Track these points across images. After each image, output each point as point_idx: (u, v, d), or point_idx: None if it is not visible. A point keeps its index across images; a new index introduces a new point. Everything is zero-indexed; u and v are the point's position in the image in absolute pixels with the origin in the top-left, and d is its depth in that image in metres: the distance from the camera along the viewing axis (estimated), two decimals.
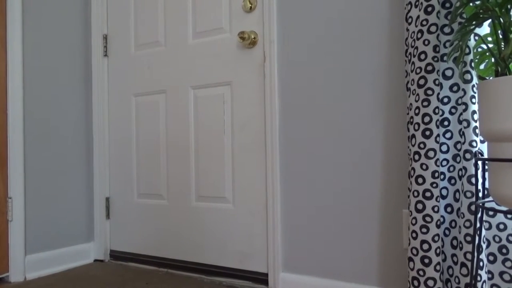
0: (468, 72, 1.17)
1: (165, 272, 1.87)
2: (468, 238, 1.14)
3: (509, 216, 1.13)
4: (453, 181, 1.23)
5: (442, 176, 1.24)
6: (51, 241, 1.90)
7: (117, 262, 2.05)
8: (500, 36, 0.94)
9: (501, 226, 1.14)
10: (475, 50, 1.15)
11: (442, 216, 1.24)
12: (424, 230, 1.20)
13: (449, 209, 1.23)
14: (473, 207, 1.13)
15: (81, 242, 2.04)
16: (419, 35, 1.22)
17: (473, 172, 1.14)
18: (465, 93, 1.17)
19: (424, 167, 1.20)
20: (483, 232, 1.15)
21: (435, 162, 1.19)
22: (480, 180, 1.13)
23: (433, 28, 1.20)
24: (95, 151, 2.10)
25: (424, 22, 1.21)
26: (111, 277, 1.80)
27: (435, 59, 1.20)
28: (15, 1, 1.78)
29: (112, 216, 2.09)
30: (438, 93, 1.20)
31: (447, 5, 1.23)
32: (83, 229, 2.05)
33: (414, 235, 1.22)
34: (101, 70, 2.10)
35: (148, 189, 1.98)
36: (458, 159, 1.22)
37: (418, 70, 1.22)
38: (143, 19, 2.00)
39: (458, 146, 1.22)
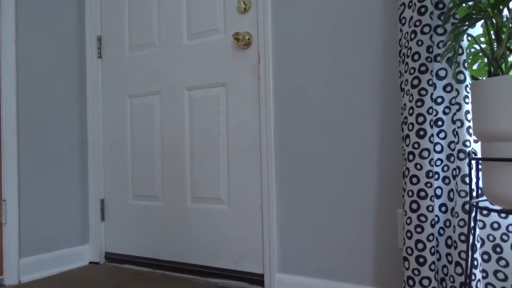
0: (461, 72, 1.17)
1: (160, 274, 1.87)
2: (463, 237, 1.14)
3: (502, 215, 1.14)
4: (447, 180, 1.24)
5: (436, 176, 1.25)
6: (45, 244, 1.89)
7: (112, 264, 2.04)
8: (493, 37, 0.94)
9: (495, 225, 1.15)
10: (468, 51, 1.16)
11: (436, 216, 1.25)
12: (418, 229, 1.20)
13: (443, 209, 1.24)
14: (467, 207, 1.14)
15: (76, 245, 2.03)
16: (413, 35, 1.22)
17: (467, 172, 1.15)
18: (458, 93, 1.18)
19: (418, 167, 1.21)
20: (477, 231, 1.16)
21: (429, 162, 1.20)
22: (474, 180, 1.13)
23: (426, 29, 1.20)
24: (90, 153, 2.09)
25: (418, 23, 1.21)
26: (106, 279, 1.79)
27: (429, 59, 1.20)
28: (9, 3, 1.77)
29: (107, 218, 2.08)
30: (432, 93, 1.21)
31: (440, 6, 1.23)
32: (78, 231, 2.04)
33: (409, 234, 1.22)
34: (95, 72, 2.09)
35: (143, 191, 1.97)
36: (452, 158, 1.23)
37: (412, 71, 1.22)
38: (138, 20, 1.99)
39: (452, 146, 1.23)
